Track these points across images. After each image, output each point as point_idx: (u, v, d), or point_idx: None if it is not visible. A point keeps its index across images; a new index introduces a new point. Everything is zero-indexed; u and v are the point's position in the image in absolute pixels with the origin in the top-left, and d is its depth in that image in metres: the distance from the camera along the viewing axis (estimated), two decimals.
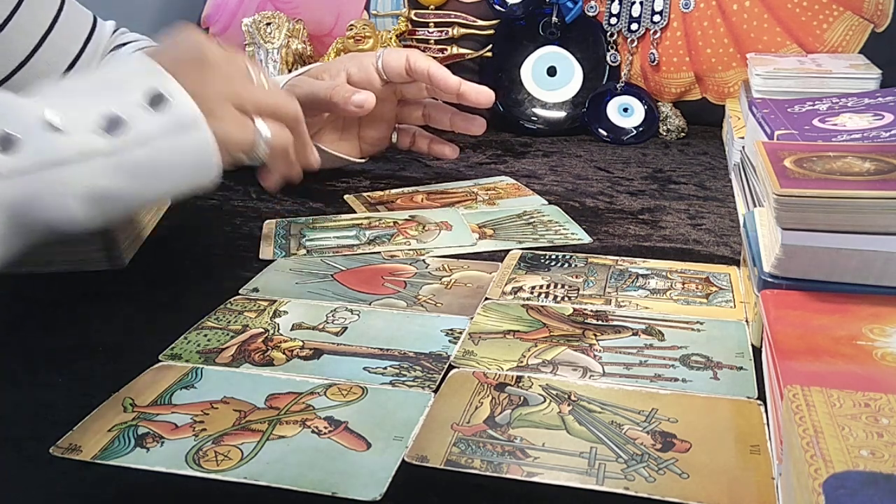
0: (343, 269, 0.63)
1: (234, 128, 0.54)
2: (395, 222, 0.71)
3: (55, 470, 0.39)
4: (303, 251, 0.66)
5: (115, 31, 0.94)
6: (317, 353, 0.50)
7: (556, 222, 0.72)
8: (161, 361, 0.49)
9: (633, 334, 0.52)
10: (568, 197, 0.80)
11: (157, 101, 0.49)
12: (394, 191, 0.83)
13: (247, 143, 0.55)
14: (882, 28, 1.00)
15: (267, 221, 0.73)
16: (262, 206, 0.77)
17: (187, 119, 0.50)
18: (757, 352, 0.49)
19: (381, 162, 0.95)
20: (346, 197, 0.81)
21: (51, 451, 0.40)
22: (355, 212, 0.76)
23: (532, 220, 0.73)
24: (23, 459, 0.40)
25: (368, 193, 0.82)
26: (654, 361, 0.49)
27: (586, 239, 0.68)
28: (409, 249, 0.66)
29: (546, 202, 0.78)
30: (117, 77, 0.51)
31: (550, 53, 1.09)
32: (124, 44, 0.93)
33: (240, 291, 0.59)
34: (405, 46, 1.11)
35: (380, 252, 0.65)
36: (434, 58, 1.11)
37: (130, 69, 0.51)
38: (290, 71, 1.07)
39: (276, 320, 0.54)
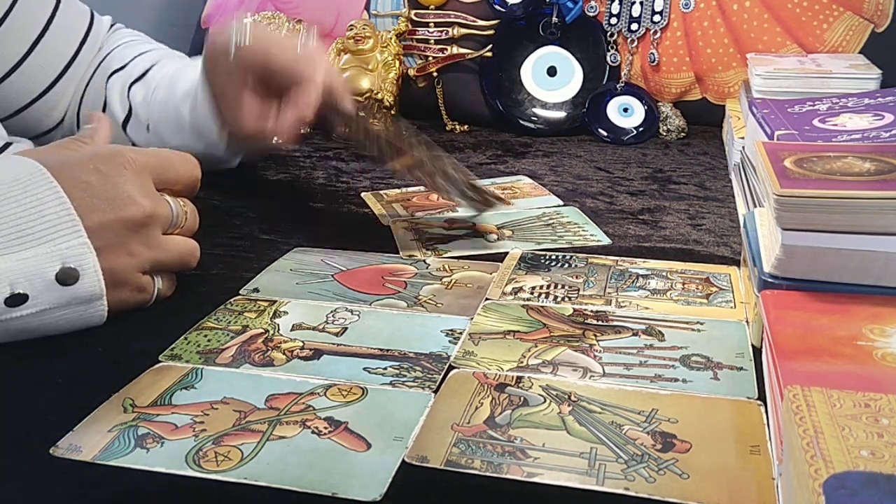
0: (343, 269, 0.63)
1: (131, 297, 0.53)
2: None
3: (55, 470, 0.39)
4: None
5: (111, 27, 0.94)
6: (317, 353, 0.50)
7: (576, 223, 0.72)
8: (161, 362, 0.49)
9: (634, 335, 0.52)
10: (568, 197, 0.80)
11: (67, 277, 0.49)
12: (410, 189, 0.83)
13: (139, 305, 0.54)
14: (882, 28, 1.00)
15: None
16: (262, 205, 0.77)
17: (88, 297, 0.50)
18: (757, 352, 0.49)
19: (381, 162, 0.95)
20: (363, 195, 0.81)
21: (51, 451, 0.40)
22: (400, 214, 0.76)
23: (551, 222, 0.73)
24: (23, 459, 0.40)
25: (385, 192, 0.82)
26: (654, 362, 0.49)
27: (605, 241, 0.68)
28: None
29: (562, 203, 0.78)
30: (37, 229, 0.48)
31: (550, 53, 1.09)
32: (119, 45, 0.93)
33: (240, 292, 0.59)
34: (405, 46, 1.11)
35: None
36: (434, 58, 1.11)
37: (43, 218, 0.49)
38: None
39: (277, 321, 0.54)
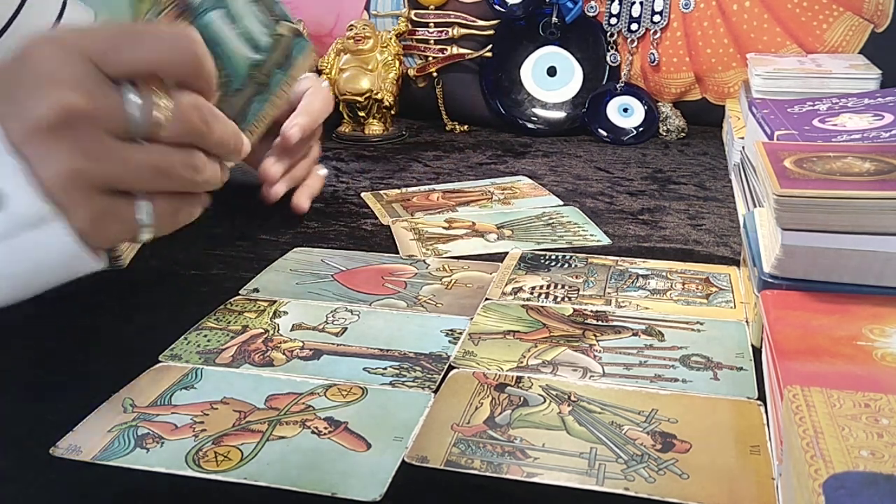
0: (343, 269, 0.63)
1: (99, 226, 0.40)
2: None
3: (55, 470, 0.39)
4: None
5: None
6: (317, 353, 0.50)
7: (576, 223, 0.72)
8: (161, 362, 0.49)
9: (633, 335, 0.52)
10: (568, 197, 0.80)
11: None
12: (410, 189, 0.83)
13: (122, 238, 0.43)
14: (882, 28, 1.00)
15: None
16: (262, 205, 0.77)
17: (28, 218, 0.38)
18: (757, 352, 0.49)
19: (381, 163, 0.95)
20: (363, 195, 0.81)
21: (51, 451, 0.40)
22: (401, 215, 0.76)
23: (551, 222, 0.73)
24: (23, 459, 0.40)
25: (385, 192, 0.82)
26: (654, 362, 0.49)
27: (605, 241, 0.68)
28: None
29: (561, 203, 0.78)
30: None
31: (550, 53, 1.09)
32: None
33: (240, 292, 0.59)
34: (405, 46, 1.11)
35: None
36: (434, 58, 1.11)
37: None
38: None
39: (276, 321, 0.54)
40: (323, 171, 0.78)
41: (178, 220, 0.44)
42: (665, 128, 1.05)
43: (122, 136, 0.39)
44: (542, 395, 0.45)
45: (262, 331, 0.53)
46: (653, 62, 1.06)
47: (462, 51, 1.11)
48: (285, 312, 0.55)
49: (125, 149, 0.39)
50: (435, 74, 1.12)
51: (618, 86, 1.07)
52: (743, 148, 0.79)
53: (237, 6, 0.53)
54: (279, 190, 0.69)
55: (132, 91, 0.39)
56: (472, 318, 0.54)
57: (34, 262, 0.40)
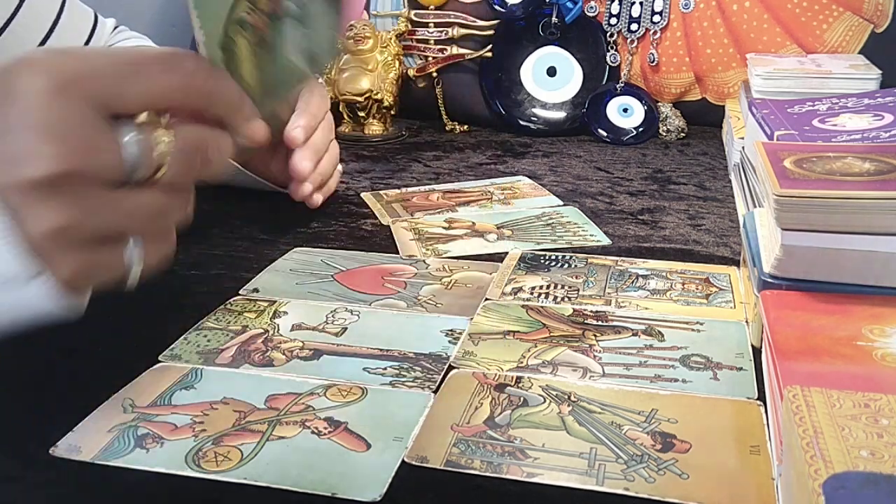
0: (343, 269, 0.63)
1: (87, 277, 0.38)
2: None
3: (55, 470, 0.39)
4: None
5: (114, 30, 0.94)
6: (316, 353, 0.50)
7: (575, 223, 0.72)
8: (161, 362, 0.49)
9: (633, 335, 0.52)
10: (568, 197, 0.80)
11: None
12: (410, 189, 0.84)
13: (109, 285, 0.39)
14: (882, 28, 1.00)
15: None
16: (262, 205, 0.77)
17: (11, 276, 0.36)
18: (757, 352, 0.49)
19: (381, 163, 0.95)
20: (362, 195, 0.81)
21: (51, 451, 0.40)
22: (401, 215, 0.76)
23: (551, 222, 0.73)
24: (23, 459, 0.40)
25: (385, 192, 0.82)
26: (653, 362, 0.49)
27: (605, 241, 0.68)
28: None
29: (561, 203, 0.78)
30: None
31: (550, 54, 1.09)
32: (113, 44, 0.92)
33: (240, 292, 0.59)
34: (405, 47, 1.11)
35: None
36: (434, 58, 1.11)
37: None
38: None
39: (276, 321, 0.54)
40: (340, 168, 0.79)
41: (167, 255, 0.41)
42: (665, 128, 1.05)
43: (117, 184, 0.36)
44: (541, 396, 0.45)
45: (262, 331, 0.53)
46: (652, 62, 1.06)
47: (462, 51, 1.11)
48: (285, 312, 0.55)
49: (119, 198, 0.37)
50: (435, 74, 1.12)
51: (618, 86, 1.07)
52: (743, 148, 0.79)
53: (315, 22, 0.50)
54: (307, 189, 0.70)
55: (133, 131, 0.36)
56: (471, 319, 0.54)
57: (15, 317, 0.38)
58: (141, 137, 0.36)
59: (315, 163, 0.71)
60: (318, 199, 0.73)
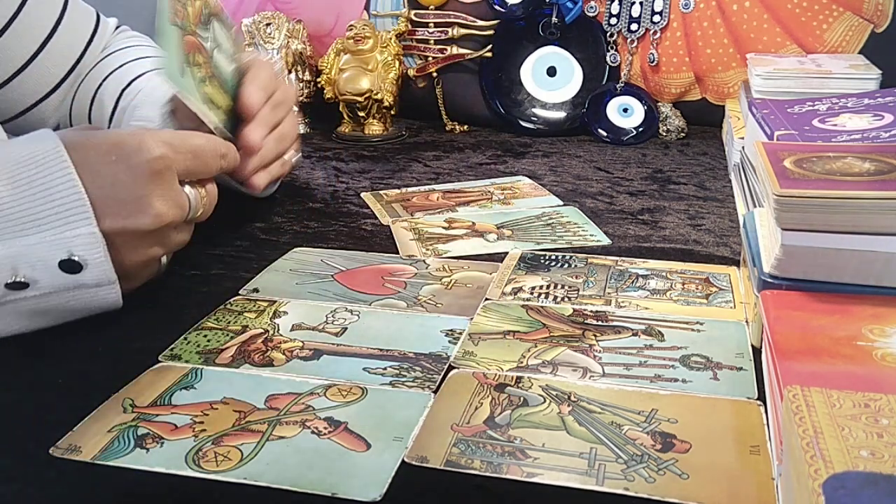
0: (343, 269, 0.63)
1: (144, 279, 0.54)
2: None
3: (55, 470, 0.39)
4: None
5: (116, 29, 0.94)
6: (316, 353, 0.50)
7: (575, 223, 0.72)
8: (161, 362, 0.49)
9: (633, 335, 0.52)
10: (568, 197, 0.80)
11: (71, 266, 0.48)
12: (410, 189, 0.84)
13: (149, 278, 0.55)
14: (882, 28, 1.00)
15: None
16: (261, 205, 0.77)
17: (96, 283, 0.50)
18: (757, 352, 0.49)
19: (381, 163, 0.95)
20: (363, 195, 0.81)
21: (51, 451, 0.40)
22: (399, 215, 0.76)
23: (551, 222, 0.73)
24: (23, 460, 0.40)
25: (385, 192, 0.82)
26: (653, 362, 0.49)
27: (605, 241, 0.68)
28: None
29: (561, 202, 0.78)
30: (45, 213, 0.48)
31: (550, 54, 1.09)
32: (120, 49, 0.93)
33: (240, 292, 0.59)
34: (405, 46, 1.11)
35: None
36: (434, 58, 1.11)
37: (54, 202, 0.48)
38: (290, 71, 1.07)
39: (276, 321, 0.54)
40: (294, 155, 0.76)
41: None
42: (665, 128, 1.05)
43: (181, 223, 0.54)
44: (541, 395, 0.45)
45: (262, 331, 0.53)
46: (652, 62, 1.06)
47: (462, 51, 1.11)
48: (285, 312, 0.55)
49: (179, 235, 0.55)
50: (435, 74, 1.12)
51: (618, 86, 1.07)
52: (743, 148, 0.79)
53: (223, 40, 0.70)
54: (250, 166, 0.68)
55: (193, 190, 0.55)
56: (471, 319, 0.54)
57: (67, 310, 0.50)
58: (194, 193, 0.55)
59: (262, 137, 0.69)
60: (261, 179, 0.70)
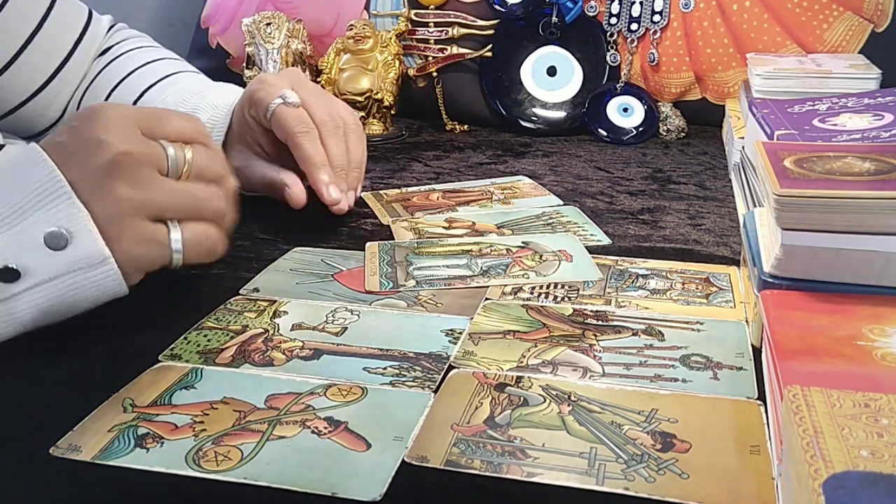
0: (343, 269, 0.63)
1: (142, 250, 0.49)
2: (507, 250, 0.65)
3: (55, 470, 0.39)
4: (412, 282, 0.59)
5: (111, 27, 0.94)
6: (317, 353, 0.50)
7: (576, 223, 0.72)
8: (161, 361, 0.49)
9: (633, 334, 0.52)
10: (568, 197, 0.80)
11: (55, 240, 0.47)
12: (410, 189, 0.84)
13: (158, 262, 0.51)
14: (882, 28, 1.00)
15: (369, 245, 0.67)
16: (262, 205, 0.77)
17: (88, 258, 0.48)
18: (757, 352, 0.49)
19: (381, 162, 0.95)
20: (363, 195, 0.81)
21: (51, 451, 0.40)
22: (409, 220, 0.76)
23: (551, 221, 0.73)
24: (23, 459, 0.40)
25: (385, 192, 0.82)
26: (654, 362, 0.49)
27: (605, 241, 0.68)
28: (528, 284, 0.59)
29: (562, 202, 0.78)
30: (17, 202, 0.47)
31: (550, 53, 1.09)
32: (118, 42, 0.92)
33: (240, 291, 0.59)
34: (405, 46, 1.11)
35: (493, 286, 0.59)
36: (434, 58, 1.11)
37: (31, 189, 0.47)
38: None
39: (276, 320, 0.54)
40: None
41: (204, 249, 0.52)
42: (665, 128, 1.05)
43: (163, 172, 0.50)
44: (542, 395, 0.45)
45: (262, 331, 0.53)
46: (653, 62, 1.06)
47: (462, 51, 1.11)
48: (285, 312, 0.55)
49: (166, 181, 0.50)
50: (435, 74, 1.12)
51: (618, 86, 1.07)
52: (743, 148, 0.79)
53: None
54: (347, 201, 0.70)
55: (166, 144, 0.51)
56: (472, 318, 0.54)
57: (80, 297, 0.49)
58: (174, 145, 0.52)
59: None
60: (349, 198, 0.71)
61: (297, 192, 0.69)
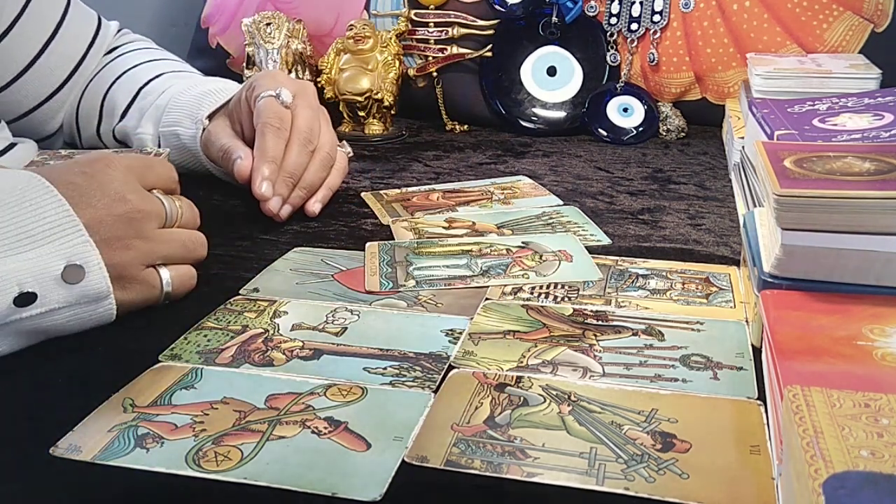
0: (343, 269, 0.63)
1: (139, 293, 0.54)
2: (507, 250, 0.65)
3: (55, 470, 0.39)
4: (412, 282, 0.59)
5: (118, 32, 0.95)
6: (317, 353, 0.50)
7: (576, 223, 0.72)
8: (161, 361, 0.49)
9: (633, 334, 0.52)
10: (568, 197, 0.80)
11: (72, 274, 0.49)
12: (410, 189, 0.84)
13: (149, 302, 0.55)
14: (882, 28, 1.00)
15: (369, 245, 0.67)
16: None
17: (96, 294, 0.50)
18: (757, 352, 0.49)
19: (381, 162, 0.95)
20: (363, 195, 0.81)
21: (51, 451, 0.40)
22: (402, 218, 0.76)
23: (551, 221, 0.73)
24: (23, 459, 0.40)
25: (385, 192, 0.82)
26: (654, 362, 0.49)
27: (605, 241, 0.68)
28: (528, 284, 0.59)
29: (562, 202, 0.78)
30: (29, 228, 0.49)
31: (550, 53, 1.09)
32: (123, 44, 0.93)
33: (240, 291, 0.59)
34: (405, 46, 1.11)
35: (493, 286, 0.59)
36: (434, 58, 1.11)
37: (45, 219, 0.49)
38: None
39: (276, 320, 0.54)
40: (346, 151, 0.80)
41: (187, 287, 0.57)
42: (665, 128, 1.05)
43: (160, 225, 0.55)
44: (542, 395, 0.45)
45: (262, 331, 0.53)
46: (652, 62, 1.06)
47: (462, 51, 1.11)
48: (285, 312, 0.55)
49: (163, 232, 0.55)
50: (435, 74, 1.12)
51: (618, 86, 1.07)
52: (743, 148, 0.79)
53: None
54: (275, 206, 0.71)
55: (162, 195, 0.57)
56: (472, 318, 0.54)
57: (75, 326, 0.51)
58: (167, 197, 0.57)
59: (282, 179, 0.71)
60: (314, 207, 0.74)
61: (244, 164, 0.71)
